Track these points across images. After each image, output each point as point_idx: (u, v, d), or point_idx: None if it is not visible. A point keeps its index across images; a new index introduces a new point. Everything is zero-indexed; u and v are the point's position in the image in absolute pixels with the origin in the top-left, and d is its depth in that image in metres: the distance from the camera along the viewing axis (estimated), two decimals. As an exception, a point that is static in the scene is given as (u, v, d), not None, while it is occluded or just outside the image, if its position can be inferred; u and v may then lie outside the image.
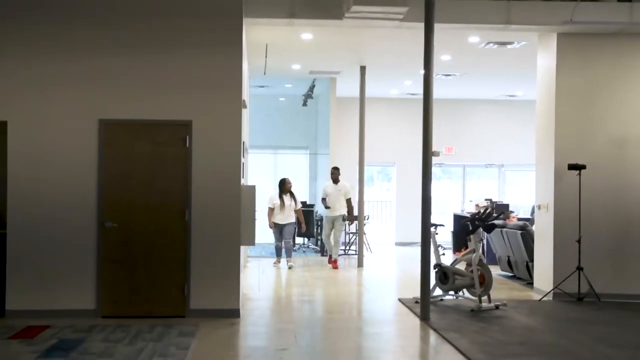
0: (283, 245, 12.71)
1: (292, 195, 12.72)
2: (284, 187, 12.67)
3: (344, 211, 12.97)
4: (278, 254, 12.85)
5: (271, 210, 12.62)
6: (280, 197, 12.61)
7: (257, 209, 8.66)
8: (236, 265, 8.12)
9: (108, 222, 7.91)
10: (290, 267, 12.39)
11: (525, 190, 17.64)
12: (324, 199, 13.12)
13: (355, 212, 13.46)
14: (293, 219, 12.72)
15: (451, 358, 6.47)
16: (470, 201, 16.52)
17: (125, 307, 7.91)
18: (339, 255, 14.83)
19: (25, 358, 6.06)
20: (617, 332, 7.64)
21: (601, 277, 9.43)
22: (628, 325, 8.11)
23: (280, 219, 12.58)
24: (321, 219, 15.43)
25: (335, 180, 13.06)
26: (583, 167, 9.30)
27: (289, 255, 12.65)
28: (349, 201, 12.98)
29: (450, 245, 15.03)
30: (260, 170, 16.54)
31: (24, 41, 7.94)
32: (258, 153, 16.50)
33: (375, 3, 8.43)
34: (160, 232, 7.99)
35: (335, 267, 12.57)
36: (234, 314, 7.95)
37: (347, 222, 13.50)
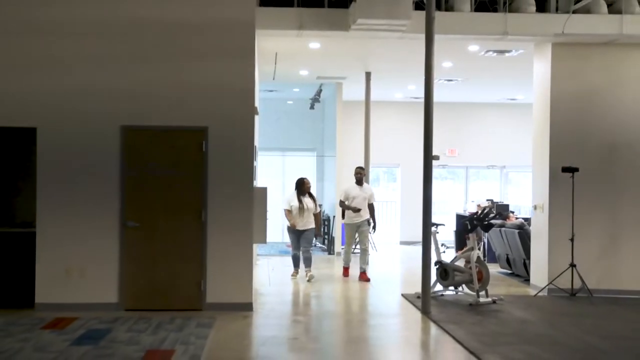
0: (301, 254, 11.39)
1: (311, 196, 11.45)
2: (303, 187, 11.39)
3: (368, 215, 11.51)
4: (296, 264, 11.52)
5: (289, 212, 11.35)
6: (299, 199, 11.27)
7: (268, 209, 9.21)
8: (249, 262, 8.66)
9: (130, 221, 8.46)
10: (309, 280, 11.12)
11: (527, 190, 18.12)
12: (342, 202, 11.61)
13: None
14: (313, 224, 11.37)
15: (450, 347, 7.03)
16: (472, 201, 17.04)
17: (146, 300, 8.45)
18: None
19: (58, 346, 6.62)
20: (606, 325, 8.16)
21: (593, 273, 9.98)
22: (617, 318, 8.62)
23: (298, 223, 11.27)
24: (328, 219, 15.93)
25: (360, 181, 11.62)
26: (576, 169, 9.84)
27: (307, 265, 11.33)
28: (371, 207, 11.55)
29: (453, 244, 15.58)
30: (269, 172, 17.05)
31: (52, 55, 8.51)
32: (266, 155, 17.03)
33: (380, 16, 9.02)
34: (179, 231, 8.54)
35: (366, 280, 11.24)
36: (247, 307, 8.50)
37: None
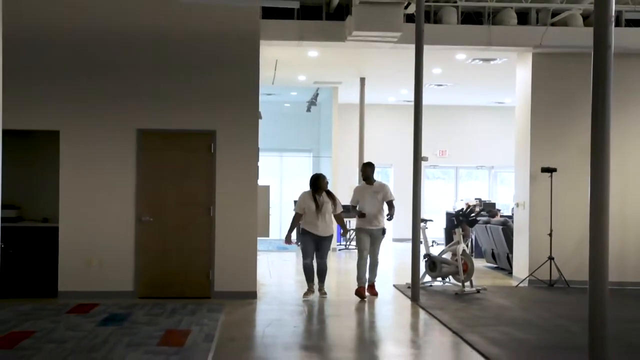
0: (316, 266, 9.48)
1: (330, 195, 9.49)
2: (319, 183, 9.43)
3: (384, 223, 9.80)
4: (310, 279, 9.44)
5: (299, 217, 9.45)
6: (315, 198, 9.38)
7: (270, 205, 9.99)
8: (253, 254, 9.44)
9: (145, 216, 9.24)
10: (324, 296, 9.48)
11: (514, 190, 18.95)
12: (354, 207, 9.74)
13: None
14: (333, 230, 9.69)
15: (436, 328, 7.84)
16: (461, 200, 17.86)
17: (159, 289, 9.23)
18: (341, 249, 16.15)
19: (86, 327, 7.38)
20: (578, 311, 8.85)
21: (570, 265, 10.78)
22: (589, 305, 9.42)
23: (316, 228, 9.34)
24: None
25: (368, 179, 9.82)
26: (554, 170, 10.66)
27: (322, 280, 9.49)
28: (390, 204, 9.77)
29: (443, 241, 16.38)
30: (267, 172, 17.73)
31: (74, 64, 9.28)
32: (264, 155, 17.64)
33: (373, 29, 9.80)
34: (189, 225, 9.32)
35: (375, 294, 9.73)
36: (251, 295, 9.28)
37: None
